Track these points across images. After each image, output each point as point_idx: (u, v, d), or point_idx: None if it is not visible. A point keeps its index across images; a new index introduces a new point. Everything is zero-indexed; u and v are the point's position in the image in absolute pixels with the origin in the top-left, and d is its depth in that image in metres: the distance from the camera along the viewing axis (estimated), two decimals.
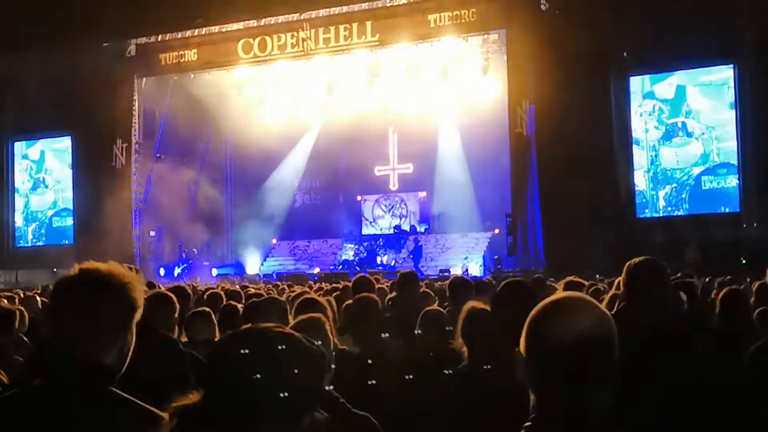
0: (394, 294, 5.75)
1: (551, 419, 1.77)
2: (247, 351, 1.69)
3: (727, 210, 18.90)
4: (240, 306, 5.22)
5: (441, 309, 4.56)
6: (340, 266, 22.97)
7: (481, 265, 21.75)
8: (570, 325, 1.77)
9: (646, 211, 19.53)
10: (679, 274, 8.42)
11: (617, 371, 1.79)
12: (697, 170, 19.29)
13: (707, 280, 9.51)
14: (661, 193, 19.57)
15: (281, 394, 1.64)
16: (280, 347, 1.71)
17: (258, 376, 1.64)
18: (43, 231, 25.92)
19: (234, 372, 1.67)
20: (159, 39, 22.94)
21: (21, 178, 26.36)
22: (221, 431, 1.61)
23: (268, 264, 24.94)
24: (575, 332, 1.76)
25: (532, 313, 1.85)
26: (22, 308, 6.03)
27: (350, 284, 6.65)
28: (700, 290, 6.66)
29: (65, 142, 25.46)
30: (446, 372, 3.37)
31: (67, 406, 1.93)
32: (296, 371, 1.69)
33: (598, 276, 11.44)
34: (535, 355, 1.80)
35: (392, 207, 25.90)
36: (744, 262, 16.47)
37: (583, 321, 1.78)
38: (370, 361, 3.78)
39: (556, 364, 1.76)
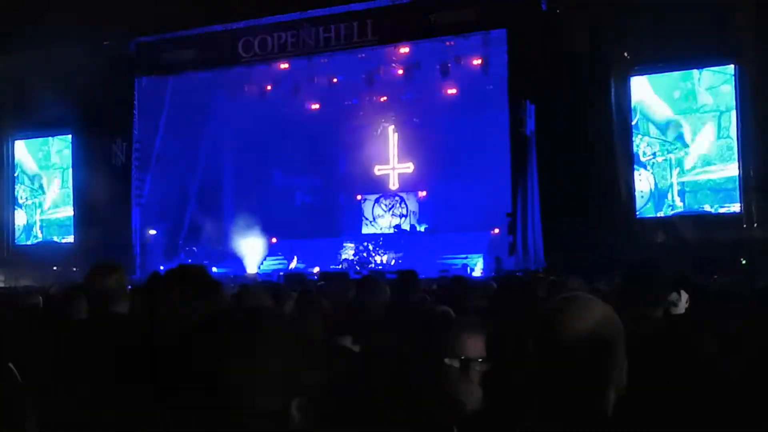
0: (393, 293, 5.73)
1: (558, 417, 1.76)
2: (220, 333, 1.62)
3: (728, 210, 18.86)
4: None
5: (449, 309, 4.53)
6: (340, 265, 22.97)
7: (482, 266, 21.77)
8: (579, 324, 1.78)
9: (647, 211, 19.49)
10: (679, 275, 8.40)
11: (624, 370, 1.79)
12: (697, 170, 19.26)
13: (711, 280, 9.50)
14: (662, 193, 19.54)
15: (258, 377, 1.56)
16: (253, 328, 1.63)
17: (233, 357, 1.57)
18: (43, 229, 25.90)
19: (206, 355, 1.58)
20: (159, 38, 22.92)
21: (21, 177, 26.34)
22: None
23: (268, 263, 24.94)
24: (584, 330, 1.76)
25: (541, 311, 1.86)
26: None
27: (353, 283, 6.64)
28: (701, 290, 6.64)
29: (66, 141, 25.44)
30: None
31: None
32: (271, 353, 1.60)
33: (597, 278, 11.41)
34: (545, 354, 1.79)
35: (392, 206, 25.93)
36: (744, 262, 16.47)
37: (591, 319, 1.79)
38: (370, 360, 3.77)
39: (566, 362, 1.76)
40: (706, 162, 19.13)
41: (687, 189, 19.32)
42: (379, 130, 25.54)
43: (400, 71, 23.09)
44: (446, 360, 2.63)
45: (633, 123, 19.56)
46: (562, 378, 1.76)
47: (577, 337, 1.74)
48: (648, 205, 19.52)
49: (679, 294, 4.11)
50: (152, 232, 23.82)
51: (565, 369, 1.75)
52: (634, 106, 19.55)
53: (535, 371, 1.80)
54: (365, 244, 23.84)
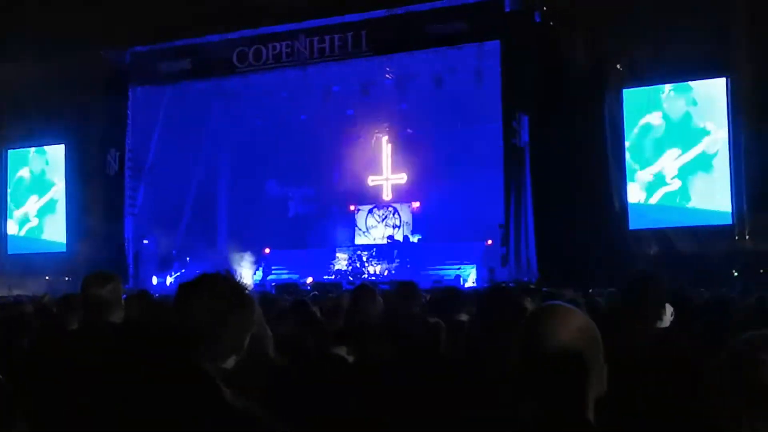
0: (390, 303, 5.74)
1: (542, 425, 1.79)
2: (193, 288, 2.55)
3: (720, 223, 18.91)
4: None
5: (440, 320, 4.55)
6: (333, 276, 22.96)
7: (475, 276, 21.79)
8: (556, 332, 1.82)
9: (640, 223, 19.54)
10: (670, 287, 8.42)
11: (605, 377, 1.83)
12: (690, 181, 19.32)
13: (701, 291, 9.53)
14: (654, 205, 19.59)
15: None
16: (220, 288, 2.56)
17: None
18: (35, 239, 25.83)
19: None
20: (154, 48, 22.93)
21: (14, 186, 26.29)
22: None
23: (261, 273, 24.91)
24: (562, 338, 1.80)
25: (525, 321, 1.90)
26: None
27: (349, 294, 6.64)
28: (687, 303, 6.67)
29: (59, 150, 25.40)
30: None
31: None
32: (229, 310, 2.47)
33: (590, 290, 11.45)
34: (527, 362, 1.83)
35: (385, 217, 25.92)
36: (736, 274, 16.54)
37: (568, 328, 1.83)
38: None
39: (548, 370, 1.80)
40: (699, 172, 19.21)
41: (678, 200, 19.39)
42: (372, 141, 25.57)
43: (394, 82, 23.12)
44: None
45: (626, 135, 19.64)
46: (541, 383, 1.81)
47: (555, 344, 1.80)
48: (640, 217, 19.59)
49: (664, 307, 4.13)
50: (145, 242, 23.77)
51: (544, 375, 1.80)
52: (628, 119, 19.63)
53: (517, 377, 1.85)
54: (358, 254, 23.84)
